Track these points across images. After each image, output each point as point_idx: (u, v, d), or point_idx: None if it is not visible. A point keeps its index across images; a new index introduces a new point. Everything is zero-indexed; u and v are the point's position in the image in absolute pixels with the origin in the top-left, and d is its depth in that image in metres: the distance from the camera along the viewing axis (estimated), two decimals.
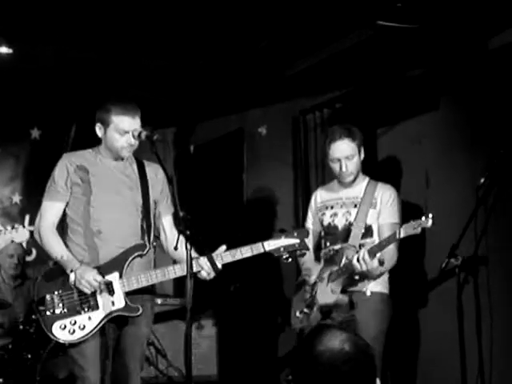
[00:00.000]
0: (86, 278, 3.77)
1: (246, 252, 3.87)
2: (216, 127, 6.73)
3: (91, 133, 4.07)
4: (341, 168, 4.37)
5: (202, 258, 3.81)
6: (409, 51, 4.91)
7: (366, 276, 4.19)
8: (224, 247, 3.87)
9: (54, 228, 3.99)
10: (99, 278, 3.79)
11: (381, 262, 4.02)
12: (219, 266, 3.82)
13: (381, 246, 4.03)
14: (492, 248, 4.39)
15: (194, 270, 3.66)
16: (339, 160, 4.36)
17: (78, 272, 3.79)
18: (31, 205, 6.59)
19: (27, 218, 6.74)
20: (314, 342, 1.91)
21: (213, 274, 3.84)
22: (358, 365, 1.89)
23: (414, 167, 5.02)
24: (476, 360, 4.06)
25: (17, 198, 6.77)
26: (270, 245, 3.89)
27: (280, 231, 3.95)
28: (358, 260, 4.00)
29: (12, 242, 6.54)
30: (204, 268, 3.81)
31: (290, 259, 3.93)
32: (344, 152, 4.35)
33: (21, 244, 6.51)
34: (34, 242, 6.53)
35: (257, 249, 3.88)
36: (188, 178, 6.57)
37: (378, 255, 4.02)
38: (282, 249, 3.88)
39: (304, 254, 4.16)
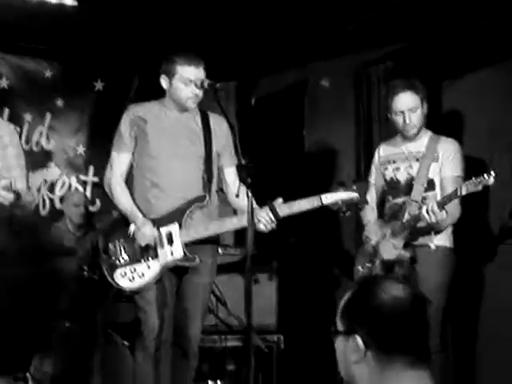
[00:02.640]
0: (142, 231, 3.86)
1: (303, 204, 3.85)
2: (278, 80, 6.69)
3: (154, 84, 4.11)
4: (404, 121, 4.32)
5: (263, 208, 3.82)
6: (476, 0, 4.78)
7: (432, 228, 4.15)
8: (280, 199, 3.86)
9: (122, 179, 4.06)
10: (154, 232, 3.87)
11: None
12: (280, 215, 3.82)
13: (446, 200, 3.98)
14: None
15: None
16: (402, 112, 4.31)
17: (137, 224, 3.88)
18: (95, 156, 6.71)
19: (91, 169, 6.85)
20: (375, 291, 1.90)
21: (270, 226, 3.83)
22: (419, 310, 1.88)
23: (478, 120, 4.93)
24: None
25: (81, 150, 6.88)
26: (328, 198, 3.84)
27: (339, 184, 3.90)
28: (427, 212, 3.95)
29: (76, 190, 6.72)
30: (265, 219, 3.81)
31: (348, 213, 3.89)
32: (407, 104, 4.30)
33: (85, 194, 6.65)
34: (97, 192, 6.74)
35: (314, 202, 3.84)
36: (249, 131, 6.58)
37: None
38: (340, 202, 3.83)
39: (362, 208, 4.14)
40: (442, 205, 3.95)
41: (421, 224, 4.13)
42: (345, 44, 5.88)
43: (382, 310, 1.85)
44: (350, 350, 1.87)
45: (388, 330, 1.84)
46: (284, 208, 3.83)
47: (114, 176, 4.04)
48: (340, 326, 1.93)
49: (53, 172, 3.77)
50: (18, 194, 3.71)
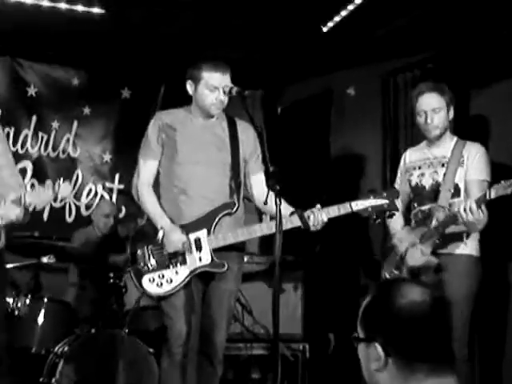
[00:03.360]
0: (171, 237, 3.87)
1: (333, 212, 3.86)
2: (304, 89, 6.69)
3: (180, 93, 4.13)
4: (426, 121, 4.29)
5: (293, 216, 3.82)
6: (503, 9, 4.75)
7: (464, 232, 4.10)
8: (319, 206, 3.86)
9: (150, 185, 4.08)
10: (183, 237, 3.87)
11: None
12: (315, 222, 3.81)
13: (479, 202, 3.93)
14: None
15: (287, 227, 3.68)
16: (425, 112, 4.29)
17: (166, 230, 3.89)
18: (121, 163, 6.75)
19: (117, 176, 6.89)
20: (393, 296, 1.85)
21: (320, 226, 3.83)
22: (440, 316, 1.84)
23: (505, 129, 4.89)
24: None
25: (107, 157, 6.92)
26: (358, 205, 3.85)
27: (369, 191, 3.91)
28: (464, 210, 3.90)
29: (102, 197, 6.75)
30: (316, 217, 3.80)
31: (378, 220, 3.89)
32: (431, 104, 4.27)
33: (113, 203, 6.67)
34: (122, 199, 6.77)
35: (344, 208, 3.85)
36: (275, 139, 6.58)
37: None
38: (370, 209, 3.85)
39: (393, 215, 4.11)
40: (479, 204, 3.90)
41: (451, 229, 4.10)
42: (372, 52, 5.87)
43: (400, 316, 1.81)
44: (370, 357, 1.84)
45: (407, 336, 1.80)
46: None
47: (142, 183, 4.06)
48: (360, 333, 1.89)
49: (64, 188, 3.69)
50: (26, 210, 3.60)
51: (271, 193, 3.52)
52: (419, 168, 4.43)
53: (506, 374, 4.81)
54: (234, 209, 3.97)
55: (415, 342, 1.79)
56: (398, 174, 4.61)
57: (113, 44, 6.21)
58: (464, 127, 4.73)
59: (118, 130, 6.89)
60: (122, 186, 6.82)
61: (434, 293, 1.86)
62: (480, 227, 4.10)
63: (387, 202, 3.84)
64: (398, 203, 4.25)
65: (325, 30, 5.57)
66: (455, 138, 4.38)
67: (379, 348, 1.81)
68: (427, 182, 4.36)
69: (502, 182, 3.78)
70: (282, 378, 5.22)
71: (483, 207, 4.02)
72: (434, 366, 1.79)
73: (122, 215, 6.80)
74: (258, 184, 4.10)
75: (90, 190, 6.83)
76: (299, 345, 5.48)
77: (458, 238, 4.16)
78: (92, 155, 6.87)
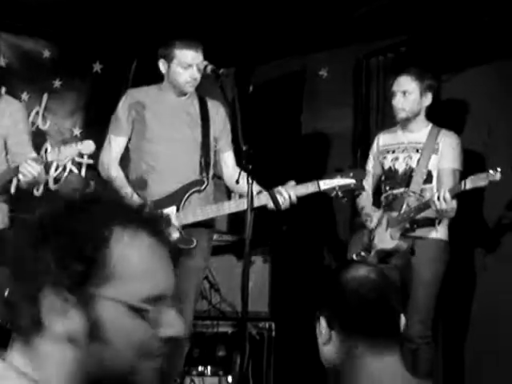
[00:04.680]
0: None
1: (301, 190, 3.89)
2: (277, 68, 6.68)
3: (152, 69, 4.11)
4: (393, 101, 4.32)
5: (261, 194, 3.84)
6: None
7: (434, 219, 4.16)
8: (293, 182, 3.89)
9: (117, 162, 4.08)
10: None
11: None
12: (285, 200, 3.82)
13: (452, 192, 3.97)
14: None
15: (255, 204, 3.71)
16: (395, 93, 4.32)
17: None
18: (91, 138, 6.63)
19: None
20: (341, 273, 1.92)
21: (286, 205, 3.85)
22: (384, 293, 1.89)
23: (477, 115, 4.93)
24: None
25: (77, 131, 6.83)
26: (326, 184, 3.90)
27: (336, 171, 3.96)
28: (438, 198, 3.93)
29: (71, 171, 6.69)
30: (284, 196, 3.82)
31: (344, 199, 3.94)
32: (401, 86, 4.31)
33: (83, 178, 6.60)
34: (91, 174, 6.70)
35: (312, 187, 3.90)
36: (247, 117, 6.56)
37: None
38: (337, 188, 3.90)
39: (359, 195, 4.16)
40: (452, 193, 3.94)
41: (422, 214, 4.14)
42: (346, 34, 5.87)
43: (343, 290, 1.87)
44: (318, 332, 1.89)
45: (349, 310, 1.85)
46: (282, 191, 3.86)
47: (110, 159, 4.06)
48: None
49: (87, 146, 3.69)
50: (46, 168, 3.73)
51: (243, 172, 3.53)
52: (393, 152, 4.46)
53: (468, 358, 4.88)
54: (203, 186, 3.98)
55: (356, 317, 1.84)
56: (371, 157, 4.62)
57: (85, 17, 6.13)
58: (435, 112, 4.76)
59: (88, 105, 6.79)
60: (91, 161, 6.74)
61: (379, 271, 1.91)
62: (452, 214, 4.15)
63: (354, 181, 3.88)
64: (367, 183, 4.31)
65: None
66: (430, 125, 4.41)
67: (323, 321, 1.87)
68: (400, 167, 4.39)
69: (479, 173, 3.83)
70: (248, 356, 5.25)
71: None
72: (376, 342, 1.83)
73: (90, 191, 6.74)
74: (227, 162, 4.12)
75: (59, 164, 6.75)
76: (265, 323, 5.50)
77: (429, 222, 4.21)
78: (62, 129, 6.78)
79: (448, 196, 3.90)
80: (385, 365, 1.81)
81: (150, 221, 1.22)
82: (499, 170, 3.73)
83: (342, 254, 4.66)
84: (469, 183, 3.85)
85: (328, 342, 1.87)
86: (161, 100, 4.05)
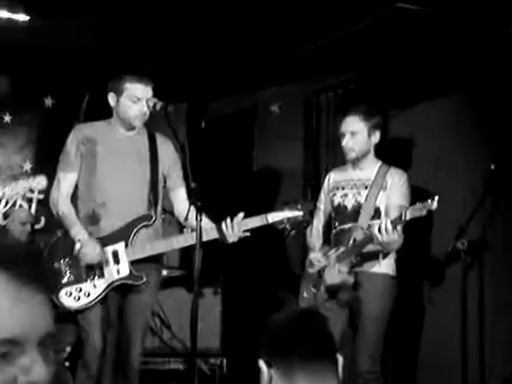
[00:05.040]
0: (87, 250, 3.86)
1: (250, 223, 3.91)
2: (229, 104, 6.73)
3: (104, 104, 4.11)
4: (342, 143, 4.38)
5: (211, 228, 3.85)
6: (425, 35, 4.88)
7: (380, 252, 4.18)
8: (242, 214, 3.90)
9: (68, 198, 4.06)
10: (100, 250, 3.85)
11: None
12: (233, 233, 3.84)
13: (396, 222, 4.01)
14: (499, 234, 4.42)
15: (204, 239, 3.72)
16: (343, 134, 4.38)
17: (82, 243, 3.86)
18: (43, 173, 6.56)
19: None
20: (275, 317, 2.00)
21: (232, 239, 3.87)
22: (307, 317, 1.96)
23: (425, 151, 5.02)
24: (478, 343, 4.10)
25: (28, 166, 6.77)
26: (274, 217, 3.93)
27: (284, 204, 3.98)
28: (379, 230, 3.97)
29: (21, 206, 6.62)
30: (233, 230, 3.84)
31: (293, 231, 3.97)
32: (349, 126, 4.36)
33: (31, 212, 6.53)
34: (42, 210, 6.61)
35: (260, 220, 3.92)
36: (198, 153, 6.59)
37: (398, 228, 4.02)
38: (285, 220, 3.93)
39: (307, 227, 4.18)
40: (395, 225, 3.98)
41: (368, 249, 4.17)
42: (296, 71, 5.94)
43: (273, 330, 1.94)
44: (261, 374, 1.91)
45: (280, 346, 1.90)
46: (233, 226, 3.87)
47: (60, 196, 4.03)
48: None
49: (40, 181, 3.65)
50: None
51: (192, 208, 3.54)
52: (343, 188, 4.49)
53: None
54: (151, 221, 3.98)
55: (287, 352, 1.88)
56: (322, 195, 4.65)
57: (36, 51, 6.11)
58: (383, 148, 4.84)
59: (39, 139, 6.74)
60: (41, 196, 6.67)
61: (312, 307, 2.00)
62: (395, 247, 4.19)
63: (302, 213, 3.92)
64: (318, 220, 4.36)
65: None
66: (379, 162, 4.46)
67: (262, 364, 1.89)
68: (350, 203, 4.42)
69: (417, 203, 3.88)
70: None
71: (399, 228, 4.11)
72: (312, 372, 1.86)
73: (41, 226, 6.67)
74: (178, 199, 4.13)
75: (8, 200, 6.66)
76: (217, 359, 5.48)
77: (373, 256, 4.25)
78: (12, 164, 6.72)
79: (390, 227, 3.93)
80: None
81: (13, 261, 1.15)
82: (436, 199, 3.78)
83: (295, 289, 4.67)
84: (409, 214, 3.89)
85: (270, 382, 1.88)
86: (110, 135, 4.04)
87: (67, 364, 4.77)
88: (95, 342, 3.87)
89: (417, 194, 4.41)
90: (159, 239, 4.02)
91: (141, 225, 3.95)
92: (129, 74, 4.00)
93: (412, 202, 4.23)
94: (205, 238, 3.77)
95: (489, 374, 4.27)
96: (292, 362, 1.87)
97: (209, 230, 3.86)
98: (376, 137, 4.40)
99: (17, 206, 6.59)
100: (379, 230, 3.94)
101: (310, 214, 4.02)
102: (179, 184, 4.11)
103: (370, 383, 4.18)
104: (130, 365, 3.99)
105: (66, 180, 4.04)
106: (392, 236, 3.94)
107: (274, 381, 1.88)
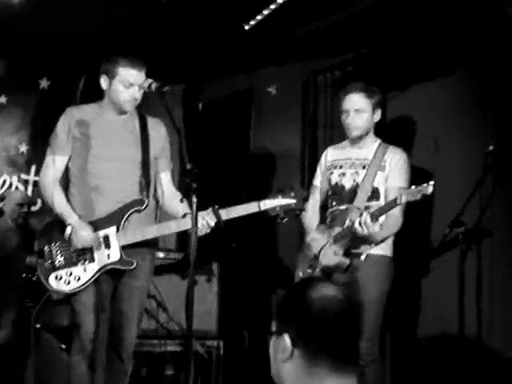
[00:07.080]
0: (78, 234, 3.82)
1: (242, 210, 3.87)
2: (226, 85, 6.70)
3: (100, 86, 4.06)
4: (347, 120, 4.32)
5: (202, 213, 3.79)
6: (423, 15, 4.84)
7: (366, 240, 4.16)
8: (217, 206, 3.85)
9: (57, 181, 4.01)
10: (91, 234, 3.83)
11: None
12: (202, 226, 3.76)
13: (382, 211, 4.00)
14: (497, 217, 4.40)
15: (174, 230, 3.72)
16: (348, 112, 4.32)
17: (74, 227, 3.84)
18: (38, 155, 6.57)
19: (33, 168, 6.74)
20: (307, 291, 1.89)
21: (205, 231, 3.81)
22: (350, 316, 1.88)
23: (424, 132, 4.99)
24: (475, 327, 4.09)
25: (23, 148, 6.76)
26: (266, 204, 3.88)
27: (277, 191, 3.94)
28: (359, 224, 3.96)
29: (17, 189, 6.61)
30: (202, 223, 3.77)
31: (285, 219, 3.93)
32: (355, 104, 4.30)
33: (27, 193, 6.52)
34: (38, 191, 6.60)
35: (253, 207, 3.88)
36: (195, 135, 6.56)
37: (381, 220, 4.01)
38: (278, 208, 3.88)
39: (299, 215, 4.15)
40: (376, 217, 3.95)
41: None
42: (294, 52, 5.91)
43: (310, 309, 1.85)
44: (279, 349, 1.87)
45: (315, 330, 1.83)
46: (223, 213, 3.83)
47: (49, 179, 3.99)
48: (274, 327, 1.92)
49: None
50: None
51: (174, 192, 3.51)
52: (340, 167, 4.44)
53: (416, 373, 4.90)
54: (143, 206, 3.95)
55: (322, 337, 1.83)
56: (318, 172, 4.60)
57: (32, 32, 6.07)
58: (382, 129, 4.81)
59: (35, 121, 6.73)
60: (37, 178, 6.67)
61: (346, 292, 1.91)
62: (375, 239, 4.15)
63: (295, 201, 3.88)
64: (314, 199, 4.34)
65: (247, 28, 5.56)
66: (378, 141, 4.41)
67: (287, 338, 1.84)
68: (347, 183, 4.38)
69: (413, 187, 3.85)
70: (196, 375, 5.22)
71: (398, 211, 4.09)
72: (337, 363, 1.83)
73: (37, 208, 6.65)
74: (159, 183, 4.10)
75: (5, 182, 6.66)
76: (213, 341, 5.48)
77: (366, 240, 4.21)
78: (7, 146, 6.70)
79: (369, 220, 3.92)
80: None
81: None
82: (432, 183, 3.75)
83: (286, 272, 4.66)
84: (403, 198, 3.86)
85: (289, 360, 1.84)
86: (101, 118, 4.00)
87: (63, 346, 4.76)
88: (88, 325, 3.86)
89: (416, 175, 4.37)
90: (151, 224, 3.99)
91: (133, 209, 3.92)
92: (122, 55, 3.94)
93: (412, 182, 4.20)
94: (173, 230, 3.89)
95: None
96: (320, 350, 1.82)
97: (181, 221, 3.83)
98: (378, 114, 4.37)
99: (13, 188, 6.64)
100: (359, 223, 3.94)
101: (304, 200, 3.97)
102: (167, 167, 4.10)
103: (368, 366, 4.16)
104: (124, 347, 3.98)
105: (56, 163, 3.99)
106: (372, 229, 3.94)
107: (293, 360, 1.84)
